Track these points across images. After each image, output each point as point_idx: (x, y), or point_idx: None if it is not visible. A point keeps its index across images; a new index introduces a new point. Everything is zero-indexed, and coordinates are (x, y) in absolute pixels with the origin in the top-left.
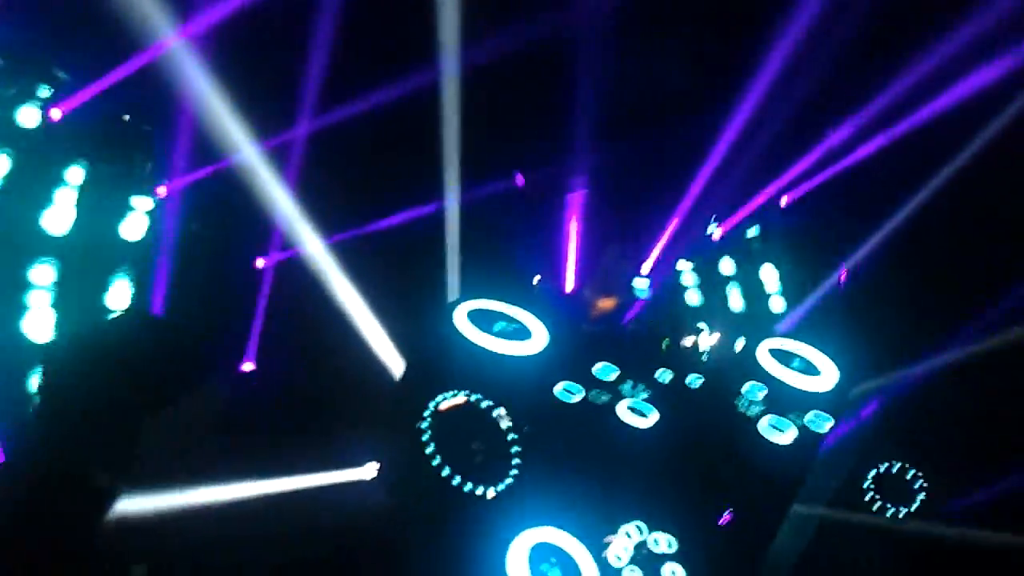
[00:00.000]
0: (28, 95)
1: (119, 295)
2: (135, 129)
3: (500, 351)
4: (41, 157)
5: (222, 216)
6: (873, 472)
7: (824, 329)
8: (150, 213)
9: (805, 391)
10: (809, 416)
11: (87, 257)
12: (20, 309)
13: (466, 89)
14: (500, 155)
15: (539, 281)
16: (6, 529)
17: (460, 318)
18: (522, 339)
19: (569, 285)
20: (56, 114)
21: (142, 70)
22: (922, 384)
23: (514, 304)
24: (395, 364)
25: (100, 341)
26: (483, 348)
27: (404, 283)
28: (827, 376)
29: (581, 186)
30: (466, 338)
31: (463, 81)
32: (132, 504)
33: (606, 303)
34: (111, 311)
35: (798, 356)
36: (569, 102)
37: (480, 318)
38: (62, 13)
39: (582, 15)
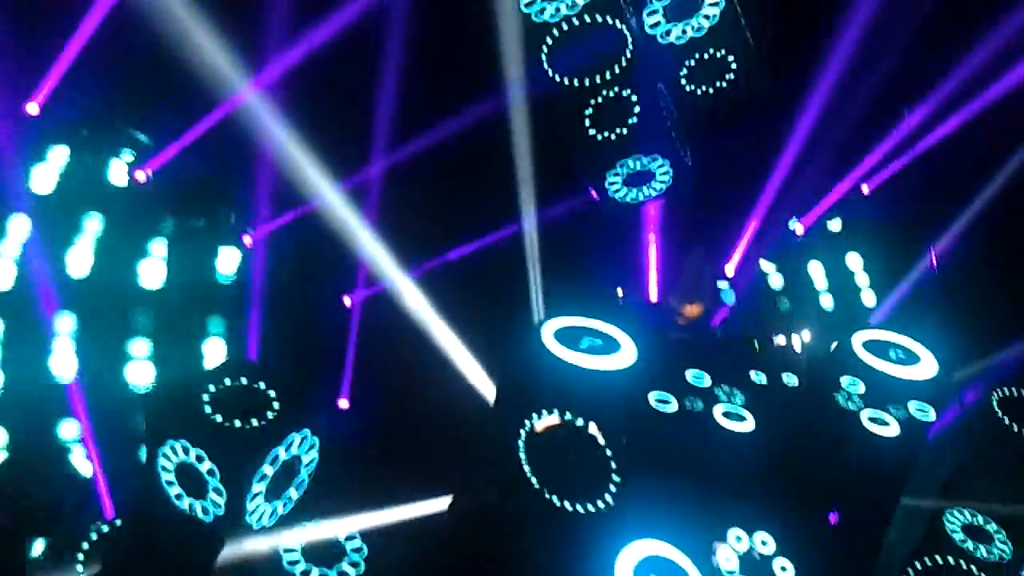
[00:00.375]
0: (114, 159)
1: (215, 345)
2: (218, 182)
3: (590, 367)
4: (130, 220)
5: (307, 258)
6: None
7: (918, 316)
8: (240, 262)
9: (905, 381)
10: (912, 406)
11: (182, 309)
12: (122, 360)
13: (535, 110)
14: (574, 171)
15: (623, 293)
16: None
17: (548, 337)
18: (611, 353)
19: (653, 295)
20: (141, 176)
21: (219, 124)
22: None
23: (600, 319)
24: (487, 389)
25: (198, 389)
26: (573, 365)
27: (489, 307)
28: (926, 364)
29: (658, 195)
30: (555, 356)
31: (531, 102)
32: (239, 544)
33: (693, 310)
34: (207, 360)
35: (894, 346)
36: (640, 109)
37: (567, 335)
38: (138, 77)
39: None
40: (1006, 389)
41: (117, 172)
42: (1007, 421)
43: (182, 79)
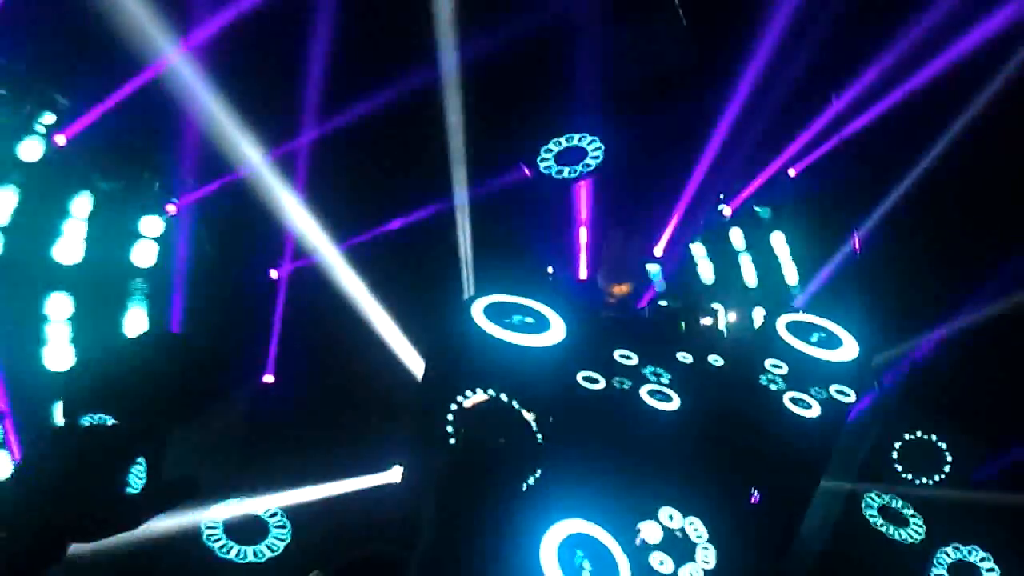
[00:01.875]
0: (31, 123)
1: (136, 318)
2: (141, 148)
3: (519, 343)
4: (49, 185)
5: (233, 229)
6: (899, 443)
7: (841, 299)
8: (161, 232)
9: (827, 363)
10: (833, 389)
11: (102, 281)
12: (39, 342)
13: (467, 84)
14: (505, 148)
15: (553, 271)
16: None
17: (477, 313)
18: (540, 331)
19: (583, 273)
20: (61, 140)
21: (143, 88)
22: (943, 349)
23: (530, 296)
24: (416, 364)
25: (120, 363)
26: (502, 341)
27: (419, 283)
28: (848, 347)
29: (589, 173)
30: (485, 333)
31: (463, 76)
32: (160, 520)
33: (621, 289)
34: (129, 336)
35: (817, 328)
36: (570, 88)
37: (497, 312)
38: (59, 37)
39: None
40: (923, 373)
41: (34, 137)
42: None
43: (105, 39)
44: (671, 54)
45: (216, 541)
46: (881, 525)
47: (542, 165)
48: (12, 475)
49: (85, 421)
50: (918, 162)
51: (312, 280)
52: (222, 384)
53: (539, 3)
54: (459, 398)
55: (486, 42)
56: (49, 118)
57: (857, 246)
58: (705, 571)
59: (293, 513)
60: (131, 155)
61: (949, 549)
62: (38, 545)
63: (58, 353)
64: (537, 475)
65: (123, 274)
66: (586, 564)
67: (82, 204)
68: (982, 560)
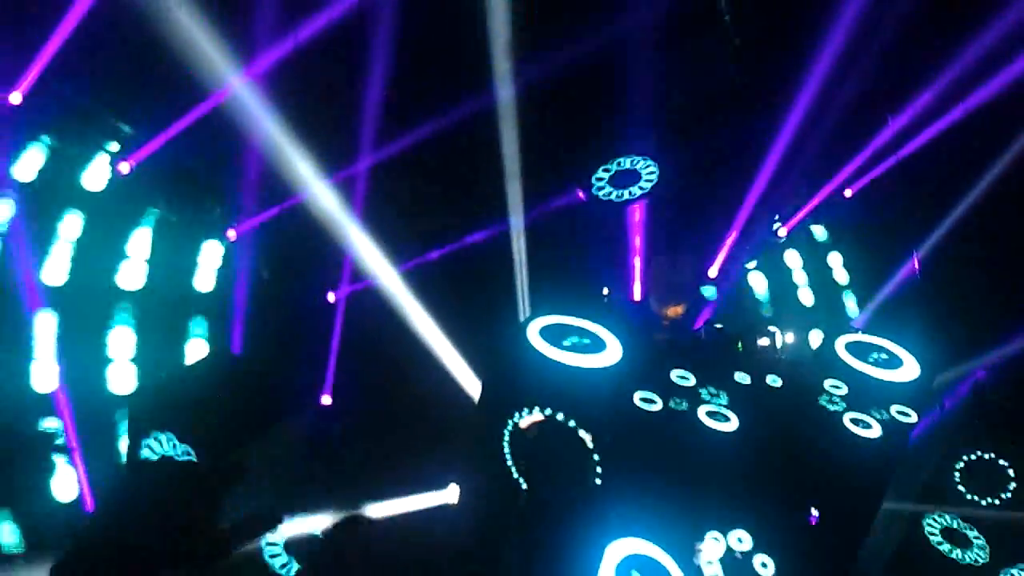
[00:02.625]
0: (96, 151)
1: (198, 341)
2: (203, 175)
3: (575, 365)
4: (113, 212)
5: (292, 254)
6: (961, 463)
7: (901, 320)
8: (223, 257)
9: (888, 383)
10: (894, 409)
11: (165, 305)
12: (103, 363)
13: (522, 108)
14: (560, 171)
15: (608, 293)
16: None
17: (533, 335)
18: (596, 352)
19: (638, 295)
20: (125, 168)
21: (206, 116)
22: (1006, 369)
23: (585, 318)
24: (472, 386)
25: (183, 385)
26: (558, 363)
27: (476, 305)
28: (908, 367)
29: (643, 196)
30: (541, 354)
31: (519, 101)
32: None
33: (674, 310)
34: (191, 357)
35: (877, 349)
36: (624, 112)
37: (553, 334)
38: (123, 66)
39: (630, 24)
40: (986, 394)
41: (101, 164)
42: (986, 425)
43: (168, 69)
44: (724, 75)
45: (275, 558)
46: (944, 546)
47: (597, 188)
48: (99, 504)
49: (150, 440)
50: (977, 182)
51: (370, 303)
52: (282, 406)
53: (593, 29)
54: (515, 418)
55: (541, 67)
56: (114, 147)
57: (917, 267)
58: None
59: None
60: (193, 182)
61: (1014, 570)
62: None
63: (121, 375)
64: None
65: (185, 299)
66: None
67: (145, 231)
68: None
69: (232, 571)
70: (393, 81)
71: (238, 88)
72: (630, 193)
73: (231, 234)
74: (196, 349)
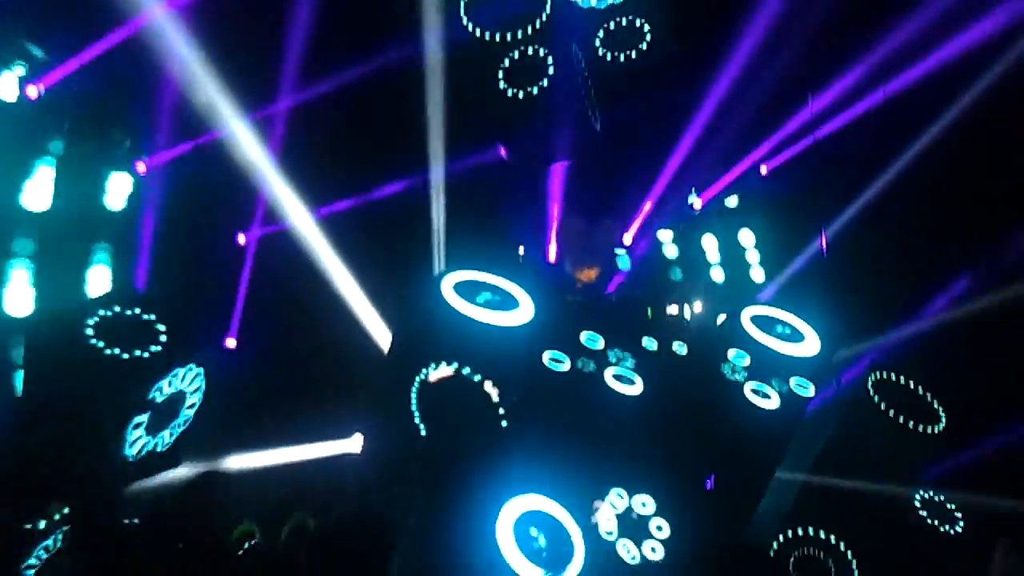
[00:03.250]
0: (4, 71)
1: (100, 272)
2: (115, 105)
3: (487, 321)
4: (18, 136)
5: (205, 192)
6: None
7: (805, 296)
8: (131, 189)
9: (789, 357)
10: (793, 382)
11: (67, 234)
12: (1, 285)
13: (450, 62)
14: (484, 128)
15: (524, 252)
16: None
17: (447, 289)
18: (509, 309)
19: (553, 256)
20: (33, 91)
21: (121, 44)
22: (903, 348)
23: (500, 275)
24: (383, 337)
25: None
26: (470, 319)
27: (391, 256)
28: (810, 342)
29: (564, 157)
30: (453, 309)
31: (447, 54)
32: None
33: (588, 273)
34: (91, 286)
35: (781, 322)
36: (553, 74)
37: (467, 289)
38: None
39: None
40: (882, 372)
41: (7, 85)
42: (879, 402)
43: None
44: (655, 44)
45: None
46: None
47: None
48: None
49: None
50: (888, 166)
51: (282, 247)
52: (183, 343)
53: None
54: (425, 371)
55: (472, 20)
56: (20, 69)
57: (824, 245)
58: (656, 552)
59: (254, 475)
60: (104, 111)
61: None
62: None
63: (19, 297)
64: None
65: (90, 224)
66: (541, 539)
67: (52, 153)
68: None
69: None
70: (320, 22)
71: (157, 17)
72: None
73: (141, 166)
74: (98, 276)
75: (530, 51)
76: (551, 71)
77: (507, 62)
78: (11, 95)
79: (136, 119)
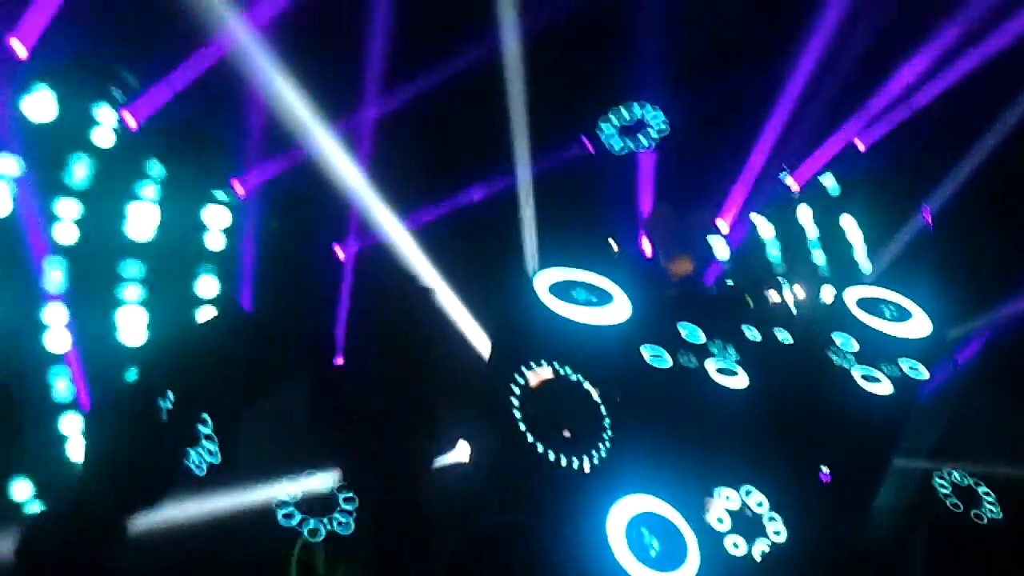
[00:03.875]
0: (102, 103)
1: (207, 297)
2: (209, 129)
3: (584, 320)
4: (119, 166)
5: (300, 208)
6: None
7: (912, 274)
8: (230, 211)
9: (898, 338)
10: (905, 365)
11: (172, 261)
12: (112, 317)
13: (529, 56)
14: (569, 121)
15: (618, 247)
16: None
17: (541, 289)
18: (605, 306)
19: (647, 249)
20: (131, 121)
21: (209, 67)
22: (1018, 324)
23: (594, 272)
24: (483, 342)
25: (193, 342)
26: (566, 318)
27: (483, 259)
28: (919, 322)
29: (653, 146)
30: (549, 309)
31: (525, 49)
32: (231, 497)
33: (683, 265)
34: (201, 313)
35: (888, 303)
36: (632, 60)
37: (561, 288)
38: (125, 18)
39: None
40: (998, 349)
41: (108, 115)
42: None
43: (169, 18)
44: (736, 22)
45: (288, 517)
46: (954, 504)
47: (605, 137)
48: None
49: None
50: (990, 134)
51: (378, 258)
52: (290, 363)
53: None
54: (524, 374)
55: (547, 14)
56: (120, 97)
57: (929, 220)
58: (773, 545)
59: (363, 491)
60: (198, 135)
61: None
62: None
63: (132, 329)
64: (602, 453)
65: (194, 256)
66: (654, 542)
67: (152, 183)
68: None
69: (242, 532)
70: (399, 29)
71: (240, 36)
72: (638, 143)
73: (239, 188)
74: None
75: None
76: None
77: (589, 51)
78: (111, 128)
79: (231, 141)
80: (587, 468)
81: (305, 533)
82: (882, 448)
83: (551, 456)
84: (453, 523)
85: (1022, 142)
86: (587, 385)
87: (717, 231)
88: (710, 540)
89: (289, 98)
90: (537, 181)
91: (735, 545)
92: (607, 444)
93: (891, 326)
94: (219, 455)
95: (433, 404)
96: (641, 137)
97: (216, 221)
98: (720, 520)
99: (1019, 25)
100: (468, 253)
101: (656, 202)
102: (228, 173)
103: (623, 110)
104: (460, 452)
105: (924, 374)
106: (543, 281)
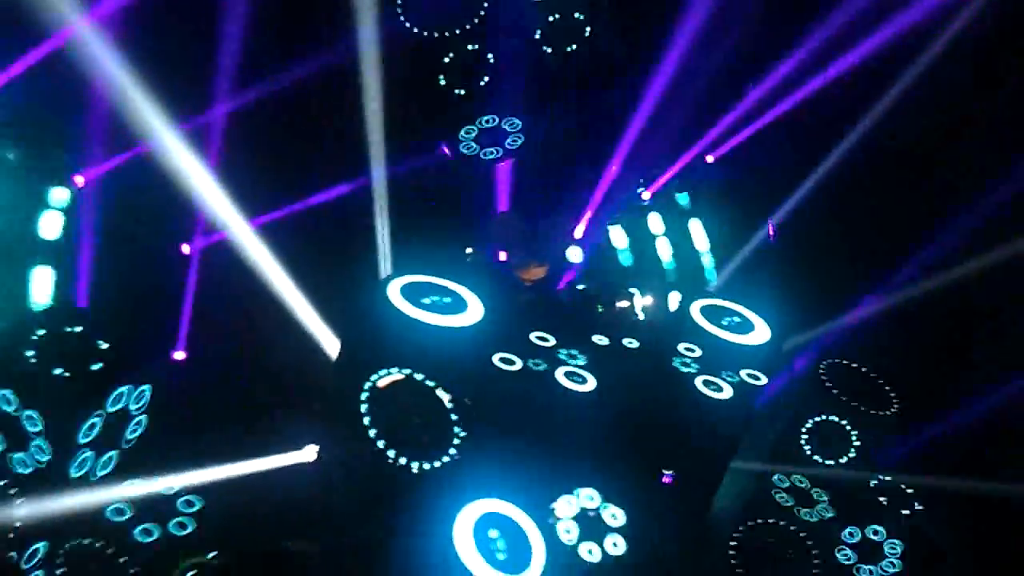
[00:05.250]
0: None
1: (42, 289)
2: (48, 120)
3: (435, 324)
4: None
5: (144, 203)
6: (807, 425)
7: (755, 284)
8: (68, 203)
9: (739, 347)
10: (744, 372)
11: (6, 253)
12: None
13: (387, 61)
14: (426, 127)
15: (471, 252)
16: None
17: (394, 292)
18: (457, 311)
19: (501, 255)
20: None
21: (50, 57)
22: (852, 335)
23: (447, 277)
24: (331, 344)
25: (28, 335)
26: (418, 322)
27: (335, 261)
28: (760, 332)
29: (509, 155)
30: (401, 312)
31: (384, 53)
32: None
33: (535, 271)
34: (36, 305)
35: (730, 313)
36: (494, 70)
37: (414, 292)
38: None
39: None
40: (833, 359)
41: None
42: (831, 389)
43: (10, 6)
44: (596, 40)
45: (122, 517)
46: (790, 504)
47: (462, 145)
48: None
49: None
50: (832, 153)
51: (225, 256)
52: (130, 359)
53: None
54: (374, 377)
55: (409, 18)
56: None
57: (772, 233)
58: (617, 547)
59: (202, 492)
60: (37, 125)
61: (854, 528)
62: None
63: None
64: (450, 455)
65: (29, 244)
66: (500, 543)
67: None
68: (887, 539)
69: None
70: (253, 25)
71: (85, 27)
72: (496, 152)
73: (79, 180)
74: (41, 293)
75: (471, 47)
76: (492, 66)
77: (447, 59)
78: None
79: (71, 133)
80: (436, 470)
81: (136, 533)
82: (722, 451)
83: (398, 458)
84: (298, 524)
85: (864, 160)
86: (437, 388)
87: (572, 238)
88: (556, 541)
89: (135, 91)
90: (392, 185)
91: (582, 546)
92: (456, 447)
93: (732, 335)
94: (50, 453)
95: (276, 403)
96: (498, 145)
97: (52, 213)
98: (565, 519)
99: (865, 47)
100: (320, 254)
101: (502, 209)
102: (68, 165)
103: (483, 119)
104: (305, 453)
105: (762, 381)
106: (396, 284)
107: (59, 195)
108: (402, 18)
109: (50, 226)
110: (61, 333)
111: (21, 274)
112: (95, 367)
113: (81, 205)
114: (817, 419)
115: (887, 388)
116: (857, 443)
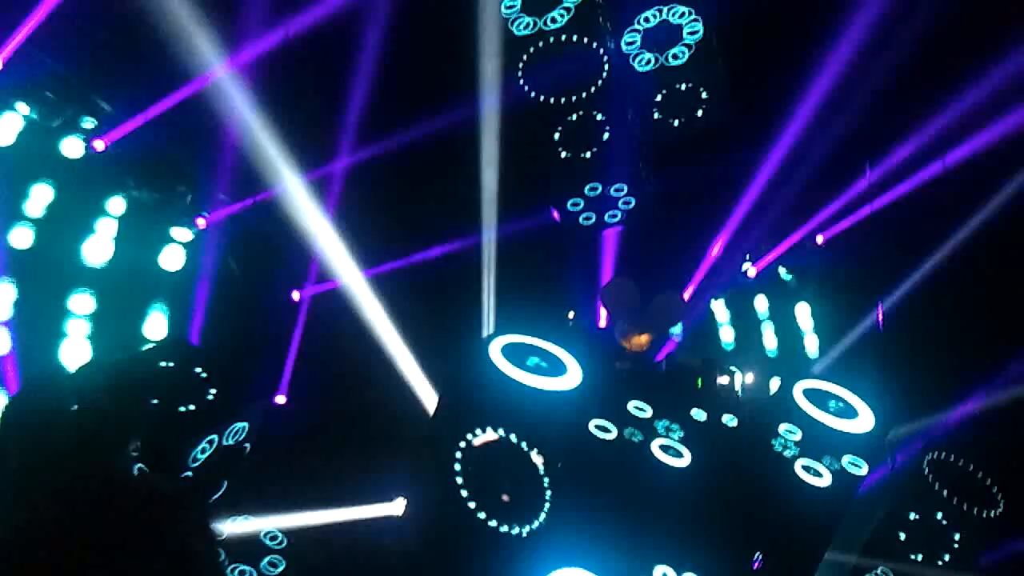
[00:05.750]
0: (72, 126)
1: (156, 325)
2: (177, 160)
3: (534, 386)
4: (84, 188)
5: (260, 247)
6: (907, 520)
7: (860, 370)
8: (189, 244)
9: (842, 433)
10: (845, 459)
11: (125, 287)
12: (59, 337)
13: (505, 123)
14: (537, 191)
15: (573, 316)
16: None
17: (495, 352)
18: (556, 375)
19: (603, 321)
20: (99, 145)
21: (186, 101)
22: (961, 429)
23: (549, 339)
24: (429, 398)
25: (136, 368)
26: (517, 383)
27: (440, 317)
28: (864, 419)
29: (617, 223)
30: (501, 372)
31: (503, 115)
32: None
33: (640, 340)
34: (148, 340)
35: (834, 397)
36: (607, 138)
37: (515, 352)
38: (107, 45)
39: (617, 55)
40: (938, 452)
41: (74, 139)
42: (935, 484)
43: (152, 50)
44: (710, 110)
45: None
46: None
47: (572, 210)
48: None
49: None
50: (947, 241)
51: (334, 305)
52: (234, 400)
53: (580, 51)
54: (469, 436)
55: (528, 83)
56: (90, 123)
57: (881, 319)
58: None
59: (292, 536)
60: (167, 166)
61: None
62: None
63: (75, 349)
64: (539, 521)
65: (149, 279)
66: None
67: (115, 207)
68: None
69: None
70: (379, 82)
71: (221, 76)
72: (605, 219)
73: (201, 222)
74: (155, 329)
75: (586, 114)
76: (606, 134)
77: (563, 125)
78: (78, 150)
79: (198, 175)
80: (523, 535)
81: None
82: (817, 539)
83: (487, 519)
84: None
85: (977, 251)
86: (530, 450)
87: (687, 314)
88: None
89: (263, 139)
90: (501, 245)
91: None
92: (545, 512)
93: (835, 420)
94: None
95: (370, 454)
96: (608, 212)
97: (173, 251)
98: None
99: (990, 133)
100: (426, 308)
101: (616, 274)
102: (193, 206)
103: (592, 185)
104: (396, 506)
105: (864, 470)
106: (498, 343)
107: (182, 234)
108: (522, 82)
109: (171, 261)
110: (172, 369)
111: (140, 308)
112: (202, 404)
113: (201, 245)
114: (917, 515)
115: (993, 488)
116: (957, 543)
